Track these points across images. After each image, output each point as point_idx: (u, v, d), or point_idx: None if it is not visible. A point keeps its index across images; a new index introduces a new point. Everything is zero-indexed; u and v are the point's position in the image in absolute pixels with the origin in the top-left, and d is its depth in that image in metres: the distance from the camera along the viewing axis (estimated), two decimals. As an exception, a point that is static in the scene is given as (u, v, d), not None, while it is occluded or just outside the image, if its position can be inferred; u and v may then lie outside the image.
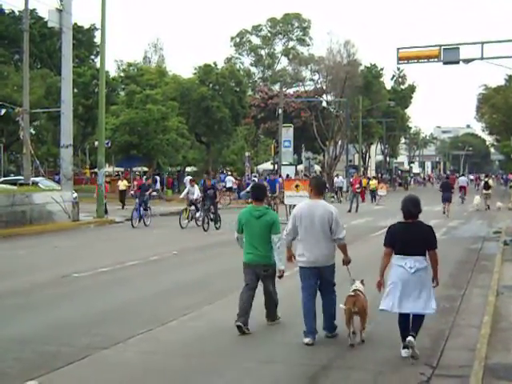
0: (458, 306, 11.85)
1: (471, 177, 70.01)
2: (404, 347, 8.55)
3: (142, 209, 28.55)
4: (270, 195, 31.83)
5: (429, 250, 8.64)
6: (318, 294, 9.61)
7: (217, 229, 26.77)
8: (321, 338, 9.58)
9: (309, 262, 9.41)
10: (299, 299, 9.59)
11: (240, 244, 10.46)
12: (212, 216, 27.27)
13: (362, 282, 9.65)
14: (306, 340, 9.23)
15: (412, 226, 8.77)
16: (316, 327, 9.40)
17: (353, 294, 9.30)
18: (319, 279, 9.53)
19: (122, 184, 42.15)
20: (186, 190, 29.44)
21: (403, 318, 8.71)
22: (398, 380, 7.65)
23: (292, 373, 7.93)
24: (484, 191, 42.48)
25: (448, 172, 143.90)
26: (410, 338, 8.44)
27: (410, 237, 8.64)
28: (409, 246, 8.60)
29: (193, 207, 28.21)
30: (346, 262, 9.66)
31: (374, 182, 52.81)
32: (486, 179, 45.57)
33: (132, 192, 32.59)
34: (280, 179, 39.38)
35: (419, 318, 8.66)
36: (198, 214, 28.05)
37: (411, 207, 8.81)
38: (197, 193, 28.11)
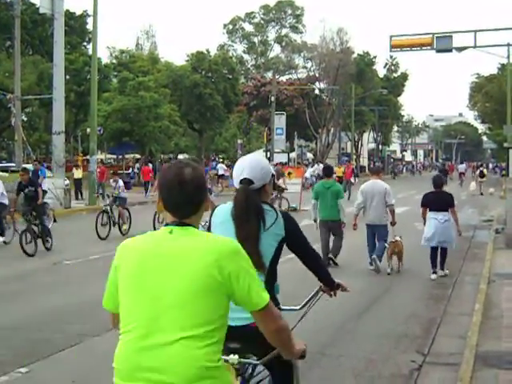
0: (450, 294, 11.88)
1: (464, 165, 70.92)
2: (433, 273, 13.27)
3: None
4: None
5: (450, 208, 13.47)
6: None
7: (47, 249, 17.28)
8: (312, 326, 9.60)
9: (370, 220, 14.37)
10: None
11: (314, 208, 14.95)
12: (38, 229, 17.25)
13: (400, 237, 14.25)
14: (372, 267, 13.98)
15: (439, 193, 13.73)
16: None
17: (394, 241, 14.07)
18: (377, 232, 14.30)
19: (78, 172, 37.23)
20: None
21: (434, 252, 13.40)
22: (390, 368, 7.66)
23: (283, 360, 7.92)
24: (479, 179, 47.80)
25: (440, 160, 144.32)
26: (441, 272, 13.50)
27: (439, 200, 13.52)
28: (438, 206, 13.42)
29: None
30: (393, 223, 14.36)
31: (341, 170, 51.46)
32: (482, 168, 51.73)
33: None
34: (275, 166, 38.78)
35: (444, 252, 13.51)
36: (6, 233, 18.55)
37: (438, 181, 13.97)
38: None
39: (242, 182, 4.34)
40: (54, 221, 18.91)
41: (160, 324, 3.09)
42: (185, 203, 3.24)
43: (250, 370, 4.30)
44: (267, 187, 4.45)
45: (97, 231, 19.54)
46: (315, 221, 14.94)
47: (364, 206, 14.42)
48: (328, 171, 15.80)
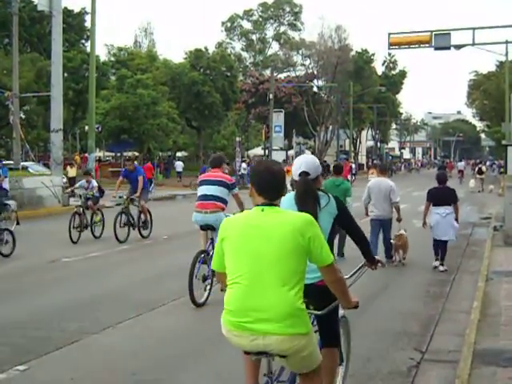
0: (448, 292, 11.89)
1: (463, 163, 71.72)
2: (436, 260, 14.42)
3: None
4: (128, 197, 19.29)
5: (453, 203, 14.38)
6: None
7: (2, 255, 15.53)
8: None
9: (376, 215, 15.09)
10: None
11: None
12: None
13: (405, 230, 15.22)
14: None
15: (442, 189, 14.61)
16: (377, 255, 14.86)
17: (398, 234, 14.96)
18: (381, 226, 15.04)
19: (72, 171, 37.54)
20: None
21: (436, 243, 14.46)
22: (388, 365, 7.66)
23: (282, 358, 7.92)
24: (478, 176, 50.20)
25: (439, 158, 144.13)
26: (441, 268, 14.19)
27: (442, 195, 14.46)
28: (441, 200, 14.35)
29: None
30: (398, 219, 15.15)
31: None
32: (480, 165, 55.35)
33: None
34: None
35: (444, 246, 14.34)
36: None
37: (442, 177, 14.80)
38: None
39: (300, 174, 5.70)
40: (17, 223, 17.52)
41: (261, 276, 4.37)
42: (273, 189, 4.60)
43: (311, 320, 5.20)
44: (320, 178, 5.91)
45: (70, 234, 18.18)
46: None
47: (369, 201, 15.27)
48: (338, 169, 16.43)
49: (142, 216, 19.56)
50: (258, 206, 4.56)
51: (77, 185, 20.70)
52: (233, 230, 4.56)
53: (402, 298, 11.49)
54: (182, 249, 17.33)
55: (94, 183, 20.06)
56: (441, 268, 14.18)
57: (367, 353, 8.10)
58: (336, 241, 15.02)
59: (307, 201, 5.52)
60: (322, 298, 5.23)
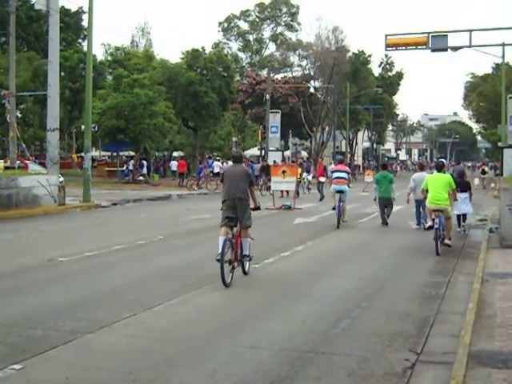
0: (443, 293, 11.90)
1: (469, 164, 72.44)
2: (458, 227, 21.50)
3: None
4: None
5: (469, 190, 21.78)
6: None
7: None
8: (305, 325, 9.60)
9: (419, 197, 20.82)
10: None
11: (375, 190, 23.71)
12: None
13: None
14: (416, 227, 22.43)
15: (463, 181, 21.80)
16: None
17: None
18: (422, 203, 20.87)
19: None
20: None
21: (458, 217, 21.70)
22: (383, 366, 7.66)
23: (276, 358, 7.93)
24: (481, 175, 58.22)
25: (435, 159, 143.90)
26: (462, 227, 21.91)
27: (464, 185, 21.56)
28: (461, 188, 20.88)
29: None
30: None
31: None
32: (483, 167, 62.22)
33: None
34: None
35: (464, 216, 22.01)
36: None
37: (463, 173, 23.56)
38: None
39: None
40: None
41: (438, 190, 17.30)
42: (438, 167, 18.47)
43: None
44: (444, 168, 19.18)
45: None
46: (375, 199, 23.63)
47: (414, 188, 21.82)
48: (384, 166, 25.81)
49: None
50: (432, 173, 19.25)
51: None
52: (430, 178, 17.84)
53: (397, 299, 11.50)
54: (177, 249, 17.34)
55: None
56: (462, 227, 21.83)
57: (362, 353, 8.11)
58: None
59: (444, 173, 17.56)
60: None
